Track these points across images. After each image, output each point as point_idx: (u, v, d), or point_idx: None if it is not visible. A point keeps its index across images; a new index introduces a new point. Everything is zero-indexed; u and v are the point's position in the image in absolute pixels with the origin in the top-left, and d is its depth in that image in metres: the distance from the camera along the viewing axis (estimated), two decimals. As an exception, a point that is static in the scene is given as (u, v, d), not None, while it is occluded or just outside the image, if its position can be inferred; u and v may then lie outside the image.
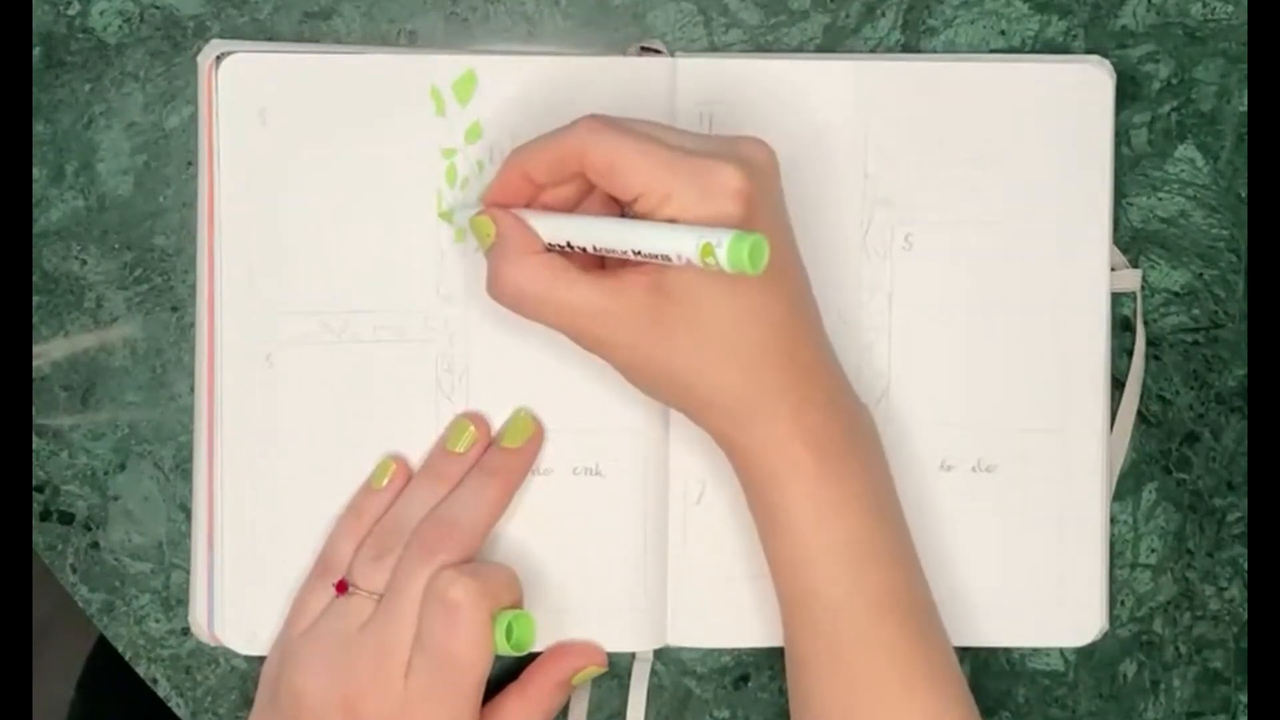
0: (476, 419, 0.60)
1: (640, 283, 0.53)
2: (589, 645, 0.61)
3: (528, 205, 0.56)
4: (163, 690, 0.62)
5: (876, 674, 0.55)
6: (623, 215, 0.56)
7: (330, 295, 0.60)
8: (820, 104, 0.61)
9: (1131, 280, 0.63)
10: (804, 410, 0.54)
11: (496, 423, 0.61)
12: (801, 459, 0.54)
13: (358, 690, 0.56)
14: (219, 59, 0.60)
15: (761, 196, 0.53)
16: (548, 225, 0.55)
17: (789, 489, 0.55)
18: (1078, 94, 0.61)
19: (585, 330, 0.55)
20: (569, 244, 0.54)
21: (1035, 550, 0.62)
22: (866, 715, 0.55)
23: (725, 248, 0.49)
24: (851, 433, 0.56)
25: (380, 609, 0.57)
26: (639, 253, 0.52)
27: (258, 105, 0.60)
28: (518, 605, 0.59)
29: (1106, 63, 0.61)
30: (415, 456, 0.61)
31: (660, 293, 0.53)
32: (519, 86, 0.60)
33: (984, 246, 0.62)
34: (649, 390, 0.56)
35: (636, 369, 0.55)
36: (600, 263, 0.56)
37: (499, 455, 0.60)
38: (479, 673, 0.57)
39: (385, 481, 0.60)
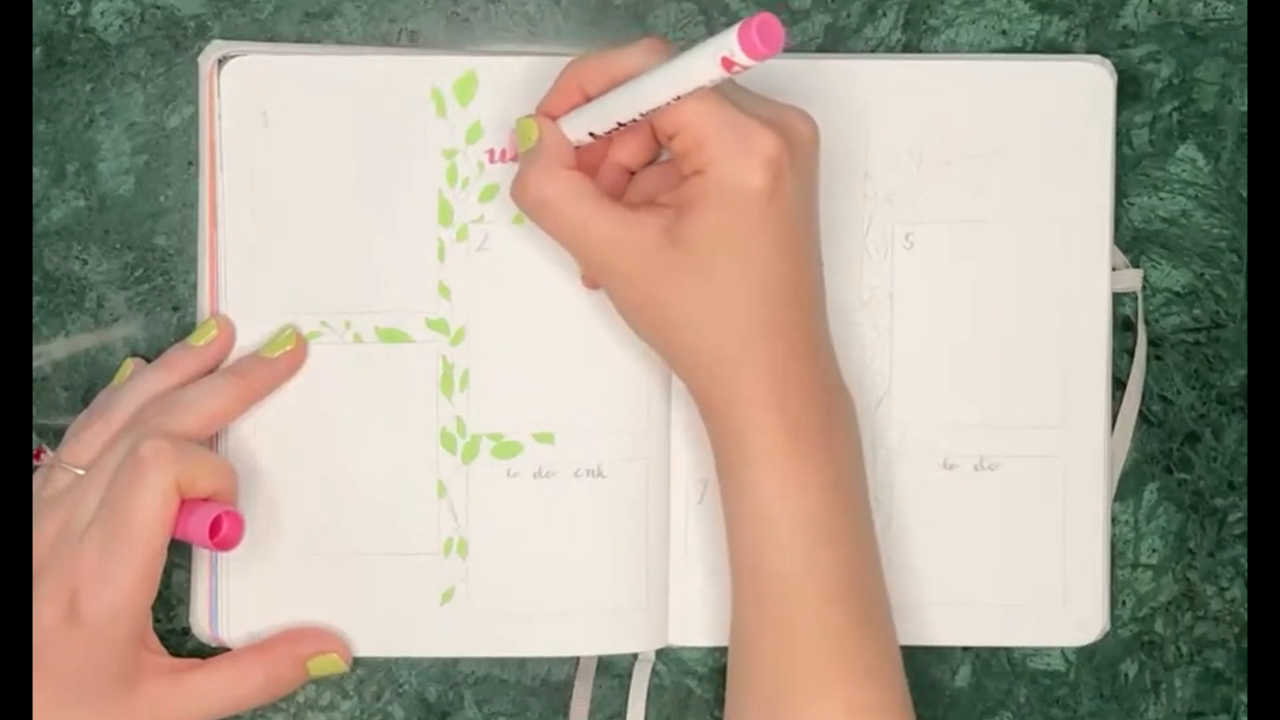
0: (223, 322, 0.60)
1: (656, 223, 0.54)
2: (336, 636, 0.60)
3: None
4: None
5: (816, 656, 0.55)
6: (658, 150, 0.57)
7: (331, 295, 0.60)
8: (822, 103, 0.61)
9: (1132, 280, 0.63)
10: (784, 382, 0.55)
11: (495, 421, 0.61)
12: (771, 427, 0.54)
13: (40, 555, 0.55)
14: (221, 62, 0.60)
15: (793, 171, 0.53)
16: (578, 119, 0.55)
17: (753, 455, 0.55)
18: (1078, 93, 0.61)
19: (592, 253, 0.55)
20: (595, 133, 0.55)
21: (1037, 549, 0.62)
22: (799, 696, 0.55)
23: (734, 37, 0.49)
24: (827, 414, 0.56)
25: (79, 479, 0.56)
26: (677, 98, 0.52)
27: (260, 107, 0.60)
28: (221, 496, 0.56)
29: (1107, 62, 0.61)
30: (416, 459, 0.61)
31: (673, 236, 0.53)
32: (520, 87, 0.60)
33: (985, 246, 0.62)
34: (639, 329, 0.56)
35: (632, 305, 0.56)
36: (618, 199, 0.56)
37: (250, 359, 0.60)
38: (151, 537, 0.54)
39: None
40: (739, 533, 0.56)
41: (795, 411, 0.55)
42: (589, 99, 0.55)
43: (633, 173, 0.58)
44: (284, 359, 0.60)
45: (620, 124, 0.54)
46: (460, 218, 0.61)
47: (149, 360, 0.60)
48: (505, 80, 0.60)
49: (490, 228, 0.60)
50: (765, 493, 0.55)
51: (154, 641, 0.57)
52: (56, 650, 0.54)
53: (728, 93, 0.54)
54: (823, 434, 0.55)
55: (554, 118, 0.56)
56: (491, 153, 0.60)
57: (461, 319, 0.61)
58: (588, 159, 0.56)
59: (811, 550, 0.55)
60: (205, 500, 0.56)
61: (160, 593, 0.59)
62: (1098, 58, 0.62)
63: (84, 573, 0.54)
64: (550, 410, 0.61)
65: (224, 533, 0.55)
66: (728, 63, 0.50)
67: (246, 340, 0.60)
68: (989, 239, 0.62)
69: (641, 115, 0.53)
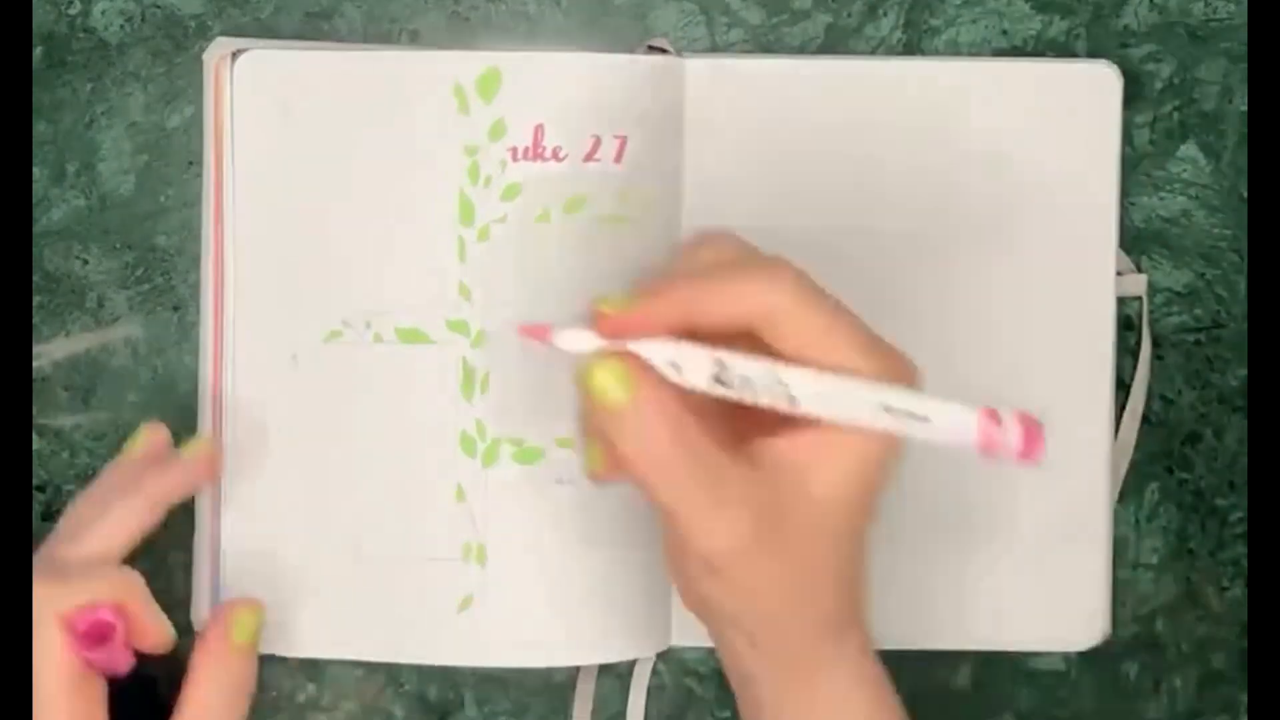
0: (208, 445, 0.58)
1: (751, 504, 0.46)
2: (242, 599, 0.57)
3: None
4: (163, 690, 0.61)
5: None
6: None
7: (351, 295, 0.60)
8: (826, 104, 0.61)
9: (1137, 285, 0.63)
10: (862, 662, 0.50)
11: (516, 425, 0.60)
12: (858, 711, 0.50)
13: None
14: (234, 55, 0.59)
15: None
16: (728, 361, 0.46)
17: None
18: (1085, 96, 0.61)
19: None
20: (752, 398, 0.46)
21: (1040, 553, 0.62)
22: None
23: (1015, 423, 0.43)
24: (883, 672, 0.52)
25: None
26: (889, 409, 0.45)
27: (275, 102, 0.59)
28: (121, 604, 0.52)
29: (1114, 66, 0.61)
30: (436, 462, 0.60)
31: (770, 519, 0.46)
32: (543, 84, 0.59)
33: (990, 248, 0.61)
34: (709, 622, 0.50)
35: (706, 599, 0.48)
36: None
37: (154, 470, 0.56)
38: (65, 689, 0.51)
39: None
40: None
41: (875, 684, 0.50)
42: (694, 334, 0.46)
43: None
44: (191, 465, 0.57)
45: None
46: (482, 217, 0.60)
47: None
48: (529, 76, 0.59)
49: (512, 228, 0.60)
50: None
51: None
52: None
53: (867, 337, 0.47)
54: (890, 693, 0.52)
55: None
56: (514, 150, 0.59)
57: (482, 320, 0.60)
58: None
59: None
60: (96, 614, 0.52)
61: (161, 593, 0.59)
62: (1105, 61, 0.61)
63: None
64: (573, 416, 0.59)
65: (108, 640, 0.52)
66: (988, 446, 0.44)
67: (266, 341, 0.60)
68: (994, 240, 0.61)
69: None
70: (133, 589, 0.53)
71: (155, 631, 0.53)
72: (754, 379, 0.45)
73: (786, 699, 0.49)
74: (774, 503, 0.45)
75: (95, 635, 0.51)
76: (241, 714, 0.57)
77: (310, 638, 0.61)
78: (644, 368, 0.45)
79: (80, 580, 0.52)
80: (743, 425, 0.47)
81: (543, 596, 0.60)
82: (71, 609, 0.51)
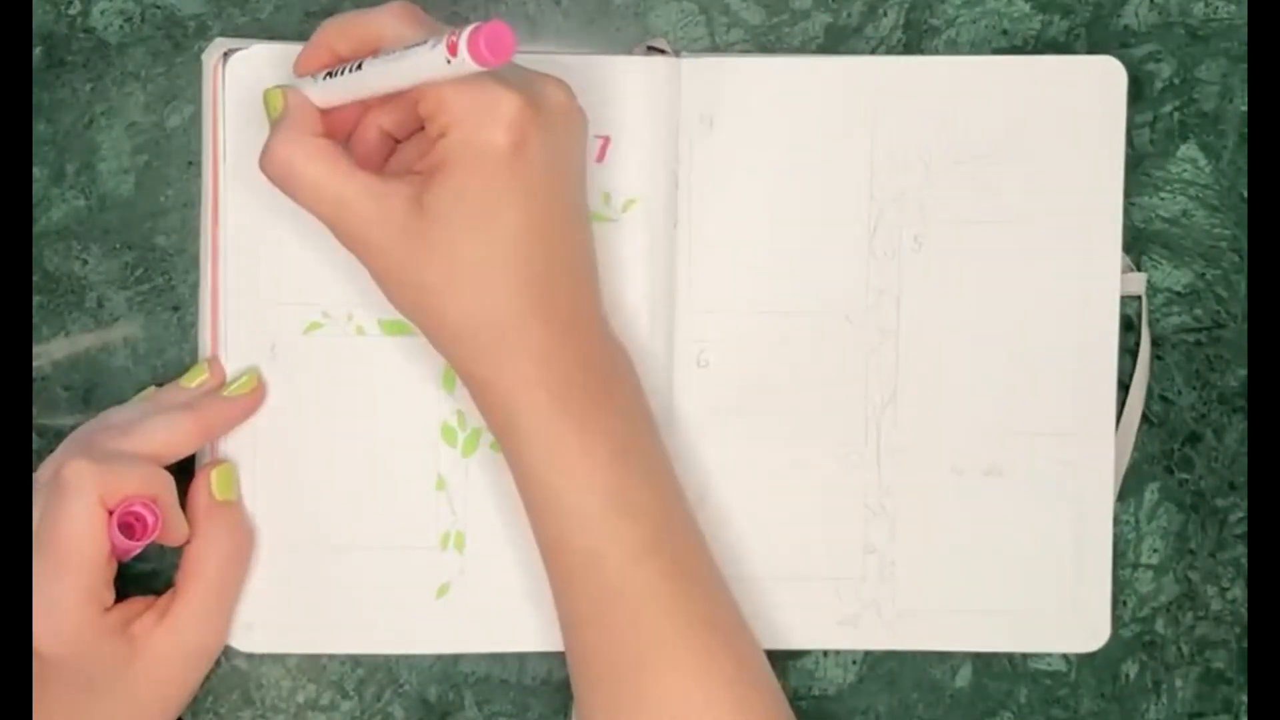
0: (215, 366, 0.60)
1: (404, 191, 0.53)
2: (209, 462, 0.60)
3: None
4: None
5: (639, 620, 0.54)
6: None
7: (334, 287, 0.60)
8: (827, 103, 0.61)
9: (1136, 284, 0.63)
10: (550, 356, 0.54)
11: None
12: (543, 406, 0.54)
13: None
14: (225, 55, 0.60)
15: (541, 135, 0.52)
16: (324, 87, 0.55)
17: (531, 436, 0.54)
18: (1090, 93, 0.61)
19: (342, 224, 0.54)
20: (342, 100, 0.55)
21: (1045, 555, 0.62)
22: (633, 662, 0.54)
23: (464, 39, 0.49)
24: (605, 381, 0.55)
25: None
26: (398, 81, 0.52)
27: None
28: (155, 498, 0.56)
29: (1118, 62, 0.61)
30: (416, 452, 0.61)
31: (420, 204, 0.52)
32: None
33: (994, 247, 0.61)
34: (398, 306, 0.55)
35: (387, 279, 0.54)
36: (379, 167, 0.56)
37: (209, 398, 0.59)
38: (80, 559, 0.54)
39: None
40: (534, 513, 0.56)
41: (567, 386, 0.54)
42: (340, 59, 0.55)
43: (398, 140, 0.57)
44: (241, 400, 0.60)
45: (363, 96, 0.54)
46: None
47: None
48: None
49: None
50: (551, 473, 0.54)
51: (120, 615, 0.57)
52: (40, 681, 0.54)
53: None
54: (603, 402, 0.55)
55: (306, 74, 0.56)
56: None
57: None
58: (341, 123, 0.56)
59: (611, 521, 0.54)
60: (133, 506, 0.55)
61: (161, 593, 0.59)
62: (1109, 57, 0.61)
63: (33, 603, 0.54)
64: None
65: (138, 533, 0.55)
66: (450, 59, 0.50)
67: (244, 332, 0.60)
68: (998, 240, 0.61)
69: (372, 94, 0.54)
70: (169, 491, 0.56)
71: (175, 533, 0.57)
72: (335, 92, 0.55)
73: (478, 395, 0.55)
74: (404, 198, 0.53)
75: (128, 526, 0.55)
76: (240, 571, 0.59)
77: (288, 630, 0.61)
78: (294, 91, 0.55)
79: (127, 471, 0.55)
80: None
81: (519, 582, 0.61)
82: (115, 497, 0.55)
